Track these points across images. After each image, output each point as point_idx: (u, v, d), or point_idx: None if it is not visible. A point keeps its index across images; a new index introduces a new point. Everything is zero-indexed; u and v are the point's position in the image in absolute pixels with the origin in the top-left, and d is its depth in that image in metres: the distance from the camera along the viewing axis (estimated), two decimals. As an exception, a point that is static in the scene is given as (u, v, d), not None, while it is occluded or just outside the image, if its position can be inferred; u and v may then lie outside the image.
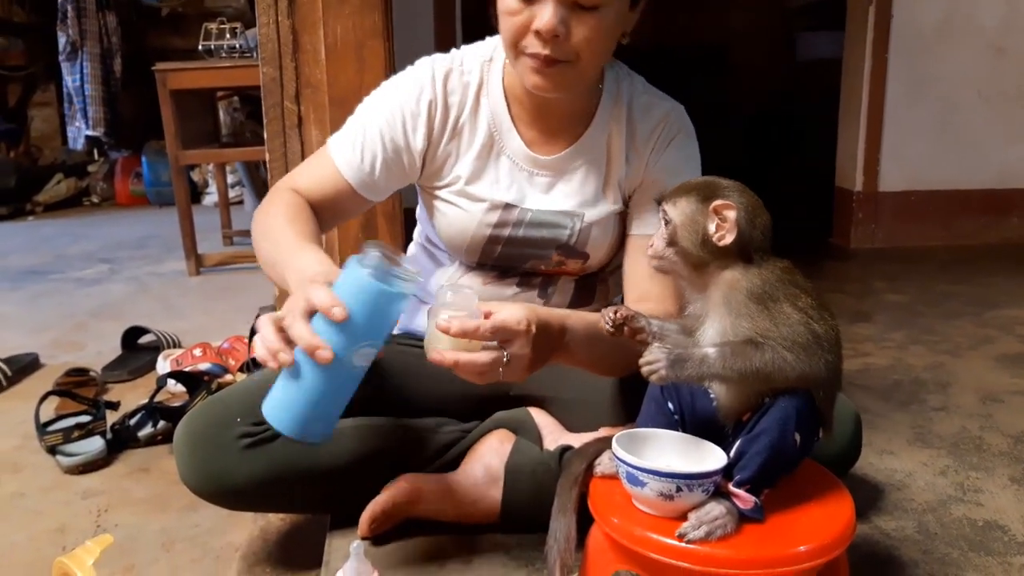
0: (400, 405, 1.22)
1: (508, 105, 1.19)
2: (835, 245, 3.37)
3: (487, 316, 0.96)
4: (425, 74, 1.19)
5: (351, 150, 1.18)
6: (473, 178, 1.20)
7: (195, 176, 5.01)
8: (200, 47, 3.25)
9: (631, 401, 1.22)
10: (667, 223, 0.95)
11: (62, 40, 4.85)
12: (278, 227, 1.11)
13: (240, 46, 3.24)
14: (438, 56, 1.22)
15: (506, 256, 1.23)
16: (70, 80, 4.91)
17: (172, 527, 1.35)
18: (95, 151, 5.17)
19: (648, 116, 1.20)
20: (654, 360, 0.91)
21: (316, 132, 1.54)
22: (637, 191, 1.21)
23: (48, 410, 1.75)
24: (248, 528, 1.29)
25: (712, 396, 0.98)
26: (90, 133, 4.90)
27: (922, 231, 3.28)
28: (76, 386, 1.91)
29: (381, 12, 1.53)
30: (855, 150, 3.26)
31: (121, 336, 2.19)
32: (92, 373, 1.99)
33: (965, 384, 1.81)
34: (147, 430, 1.64)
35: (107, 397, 1.88)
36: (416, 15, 3.44)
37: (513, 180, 1.20)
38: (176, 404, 1.67)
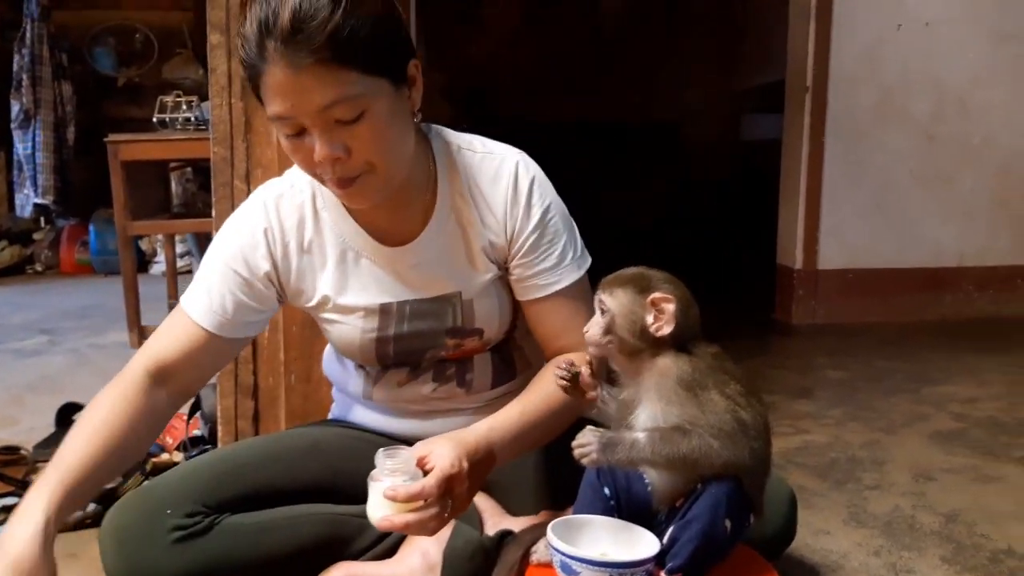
0: (338, 490, 1.20)
1: (348, 210, 1.16)
2: (778, 321, 3.45)
3: (421, 464, 0.98)
4: (256, 207, 1.17)
5: (201, 297, 1.14)
6: (339, 291, 1.18)
7: (144, 245, 4.96)
8: (155, 119, 3.27)
9: (568, 482, 1.23)
10: (604, 312, 0.98)
11: (15, 108, 4.83)
12: (72, 435, 1.07)
13: (196, 118, 3.26)
14: (268, 184, 1.20)
15: (401, 353, 1.21)
16: (21, 148, 4.87)
17: (98, 617, 1.29)
18: (42, 219, 5.10)
19: (491, 178, 1.17)
20: (586, 443, 0.94)
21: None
22: (515, 259, 1.18)
23: (-26, 492, 1.68)
24: (177, 618, 1.25)
25: (647, 481, 0.99)
26: (38, 201, 4.85)
27: (861, 308, 3.38)
28: (5, 465, 1.85)
29: (331, 96, 1.56)
30: (795, 229, 3.37)
31: (56, 412, 2.13)
32: (23, 451, 1.93)
33: (900, 462, 1.85)
34: (77, 513, 1.58)
35: (37, 476, 1.81)
36: None
37: (378, 279, 1.18)
38: (108, 486, 1.62)
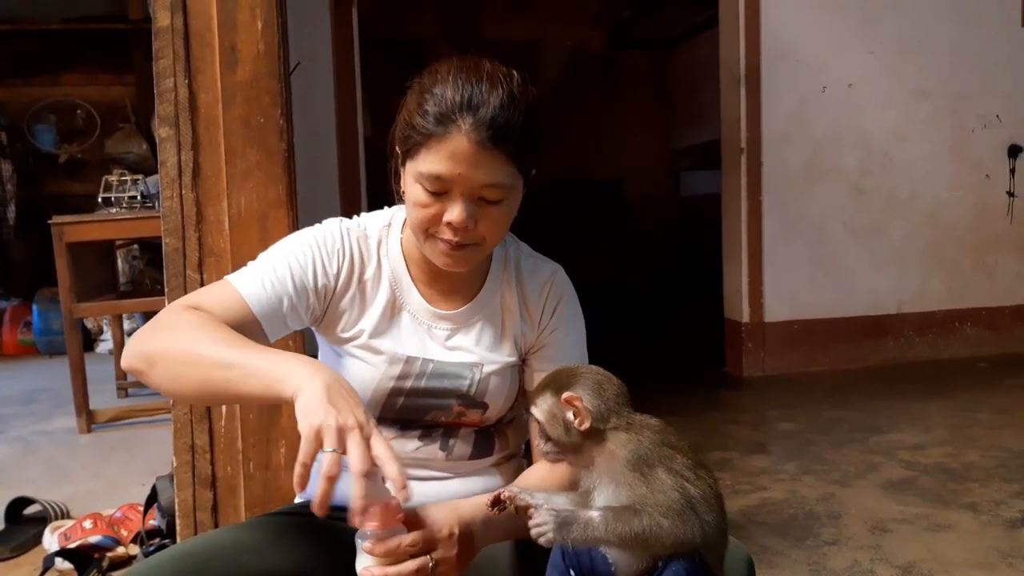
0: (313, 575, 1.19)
1: (407, 266, 1.26)
2: (728, 374, 3.53)
3: (417, 522, 1.01)
4: (335, 230, 1.25)
5: (257, 283, 1.16)
6: (376, 333, 1.24)
7: (89, 323, 4.86)
8: (100, 199, 3.24)
9: (539, 563, 1.25)
10: (537, 421, 1.02)
11: (-48, 189, 4.75)
12: (224, 327, 1.07)
13: (141, 194, 3.25)
14: (343, 219, 1.28)
15: (407, 408, 1.26)
16: (-42, 229, 4.77)
17: None
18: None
19: (535, 277, 1.30)
20: (542, 523, 0.96)
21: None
22: (534, 352, 1.29)
23: (-83, 600, 1.62)
24: None
25: (610, 561, 1.01)
26: (-23, 284, 4.74)
27: (807, 358, 3.48)
28: (-49, 569, 1.78)
29: (285, 184, 1.59)
30: (740, 283, 3.48)
31: (5, 507, 2.06)
32: (-30, 552, 1.86)
33: (855, 514, 1.90)
34: (29, 618, 1.54)
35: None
36: (321, 185, 3.42)
37: (413, 334, 1.25)
38: (64, 586, 1.58)
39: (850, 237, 3.56)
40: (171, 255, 1.58)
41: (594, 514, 0.95)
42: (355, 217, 1.30)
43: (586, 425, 0.98)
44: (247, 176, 1.59)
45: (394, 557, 0.98)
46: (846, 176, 3.55)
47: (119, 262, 4.13)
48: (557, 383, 1.01)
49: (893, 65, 3.53)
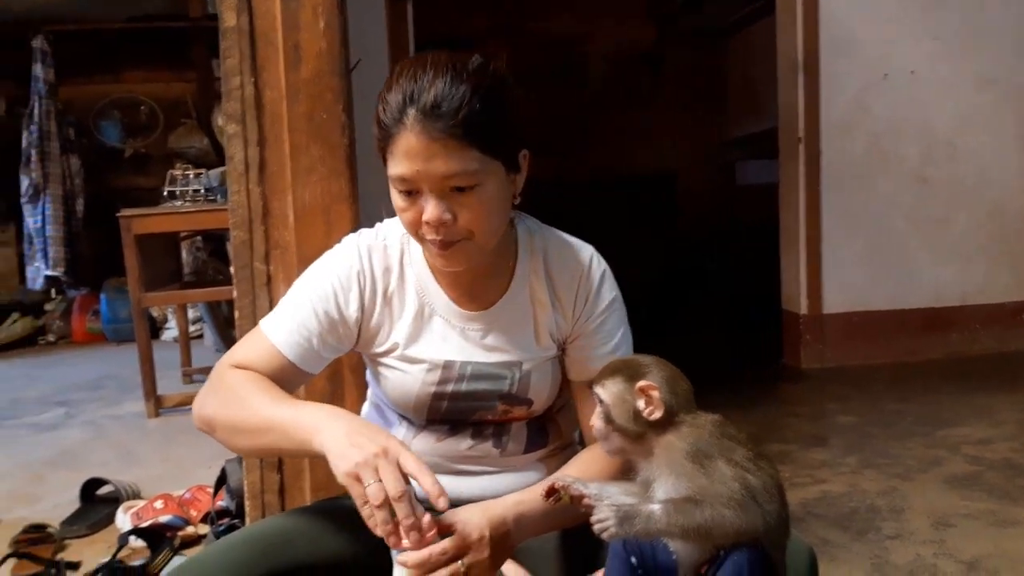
0: (371, 564, 1.23)
1: (432, 270, 1.25)
2: (786, 366, 3.48)
3: (448, 526, 1.03)
4: (352, 251, 1.26)
5: (287, 328, 1.21)
6: (410, 342, 1.25)
7: (154, 312, 5.01)
8: (164, 192, 3.35)
9: (592, 548, 1.26)
10: (601, 403, 1.03)
11: (24, 183, 4.93)
12: (258, 390, 1.14)
13: (203, 188, 3.34)
14: (362, 232, 1.29)
15: (452, 411, 1.27)
16: (31, 221, 4.96)
17: None
18: (53, 290, 5.16)
19: (565, 265, 1.27)
20: (604, 518, 0.97)
21: (284, 289, 1.59)
22: (573, 342, 1.27)
23: (4, 572, 1.70)
24: None
25: (671, 550, 1.02)
26: (49, 273, 4.92)
27: (868, 350, 3.41)
28: (33, 544, 1.87)
29: (347, 178, 1.63)
30: (798, 275, 3.43)
31: (80, 488, 2.15)
32: (50, 529, 1.95)
33: (918, 509, 1.87)
34: (111, 590, 1.61)
35: (66, 554, 1.84)
36: (382, 179, 3.50)
37: (447, 338, 1.25)
38: (137, 562, 1.65)
39: (912, 228, 3.48)
40: (239, 248, 1.63)
41: (655, 507, 0.96)
42: (377, 225, 1.30)
43: (656, 415, 0.98)
44: (311, 171, 1.63)
45: (428, 567, 1.01)
46: (908, 166, 3.46)
47: (183, 253, 4.25)
48: (630, 370, 1.02)
49: (957, 52, 3.43)
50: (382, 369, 1.28)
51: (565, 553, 1.30)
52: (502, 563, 1.10)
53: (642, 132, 6.10)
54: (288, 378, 1.22)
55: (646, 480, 1.02)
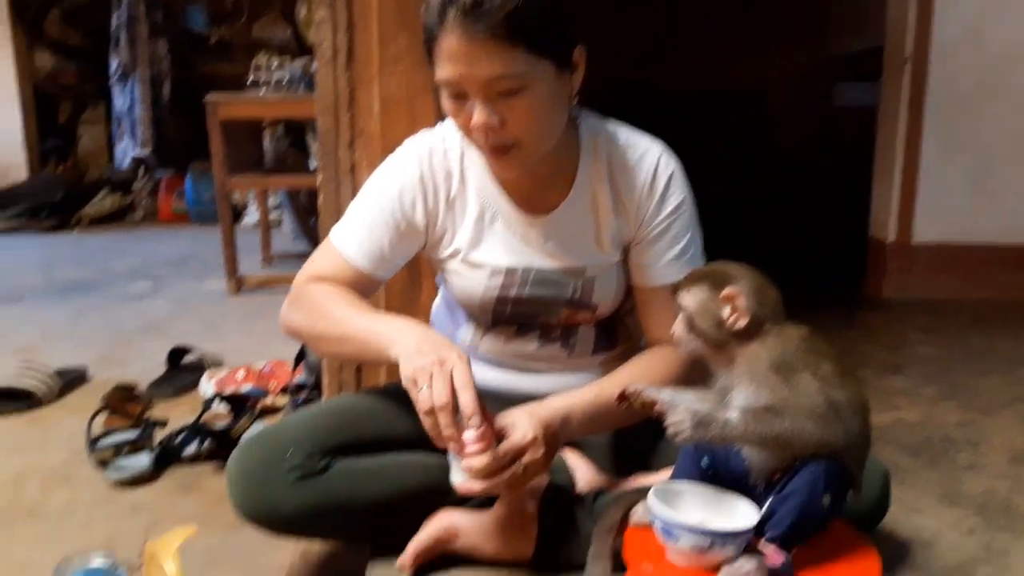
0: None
1: (491, 173, 1.22)
2: (868, 295, 3.38)
3: (500, 434, 1.06)
4: (413, 156, 1.24)
5: (357, 239, 1.23)
6: (472, 247, 1.25)
7: (236, 196, 5.12)
8: (250, 79, 3.37)
9: (660, 448, 1.27)
10: (684, 311, 1.00)
11: (113, 64, 5.03)
12: (339, 303, 1.17)
13: (287, 78, 3.35)
14: (421, 136, 1.27)
15: (517, 314, 1.28)
16: (120, 102, 5.08)
17: (217, 546, 1.40)
18: (140, 169, 5.32)
19: (631, 170, 1.22)
20: (679, 421, 0.96)
21: (367, 176, 1.60)
22: (638, 246, 1.24)
23: (97, 425, 1.81)
24: (291, 551, 1.34)
25: (744, 455, 1.01)
26: (136, 153, 5.06)
27: (956, 284, 3.27)
28: (123, 402, 1.98)
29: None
30: (889, 201, 3.28)
31: (167, 355, 2.26)
32: (139, 390, 2.06)
33: (996, 443, 1.82)
34: (193, 449, 1.70)
35: (153, 414, 1.94)
36: None
37: (509, 244, 1.24)
38: (221, 425, 1.73)
39: (1018, 160, 3.27)
40: (324, 134, 1.63)
41: (733, 415, 0.95)
42: (438, 126, 1.27)
43: (741, 324, 0.96)
44: (397, 60, 1.60)
45: (491, 471, 1.04)
46: (1021, 94, 3.23)
47: (265, 141, 4.30)
48: (716, 277, 0.99)
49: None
50: (448, 275, 1.29)
51: (621, 449, 1.32)
52: (551, 460, 1.12)
53: (736, 45, 5.82)
54: (363, 287, 1.24)
55: (723, 388, 1.01)
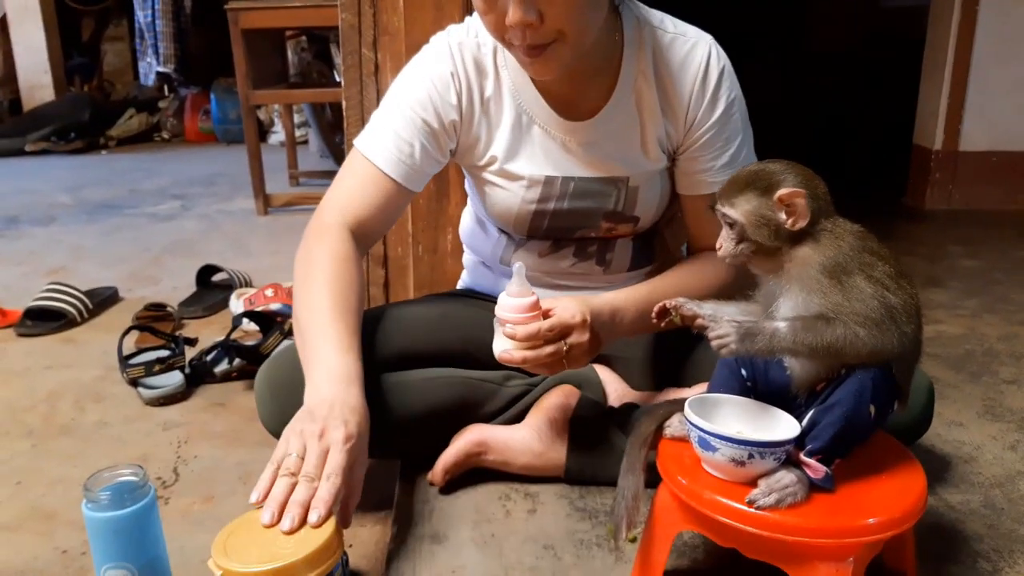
0: (468, 358, 1.24)
1: (529, 75, 1.13)
2: (909, 205, 3.27)
3: (546, 314, 1.03)
4: (444, 51, 1.15)
5: (388, 146, 1.14)
6: (509, 156, 1.17)
7: (261, 115, 5.07)
8: (272, -13, 3.26)
9: (693, 363, 1.24)
10: (732, 225, 0.93)
11: (134, -25, 4.92)
12: (317, 309, 1.06)
13: (310, -16, 3.24)
14: (452, 30, 1.17)
15: (554, 228, 1.23)
16: (142, 16, 4.98)
17: (248, 460, 1.41)
18: (165, 87, 5.26)
19: (677, 62, 1.13)
20: (724, 334, 0.91)
21: (391, 78, 1.53)
22: (687, 151, 1.17)
23: (128, 343, 1.82)
24: (320, 467, 1.34)
25: (785, 365, 0.97)
26: (161, 69, 5.00)
27: (1003, 194, 3.15)
28: (154, 320, 1.99)
29: (460, -41, 1.51)
30: (937, 106, 3.13)
31: (196, 273, 2.26)
32: (169, 308, 2.07)
33: (1041, 357, 1.77)
34: (223, 366, 1.70)
35: (183, 332, 1.95)
36: None
37: (548, 151, 1.17)
38: (250, 343, 1.73)
39: (1080, 62, 3.09)
40: (347, 32, 1.56)
41: (780, 325, 0.90)
42: (467, 20, 1.17)
43: (801, 224, 0.90)
44: (423, -51, 1.52)
45: (532, 342, 1.02)
46: (1087, -12, 3.03)
47: (289, 54, 4.21)
48: (763, 181, 0.92)
49: None
50: (482, 185, 1.23)
51: (654, 364, 1.29)
52: (597, 351, 1.09)
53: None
54: (400, 201, 1.17)
55: (769, 295, 0.95)
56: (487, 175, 1.20)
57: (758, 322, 0.92)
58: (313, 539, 0.87)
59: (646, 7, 1.17)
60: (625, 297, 1.13)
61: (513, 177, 1.18)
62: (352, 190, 1.16)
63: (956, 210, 3.15)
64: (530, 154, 1.17)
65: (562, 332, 1.03)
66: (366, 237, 1.17)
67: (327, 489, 0.89)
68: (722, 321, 0.92)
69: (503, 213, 1.22)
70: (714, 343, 0.92)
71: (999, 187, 3.15)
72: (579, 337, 1.04)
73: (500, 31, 1.02)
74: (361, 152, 1.16)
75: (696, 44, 1.14)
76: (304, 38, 4.20)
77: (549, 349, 1.02)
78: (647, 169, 1.17)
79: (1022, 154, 3.14)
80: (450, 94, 1.15)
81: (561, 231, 1.23)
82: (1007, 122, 3.12)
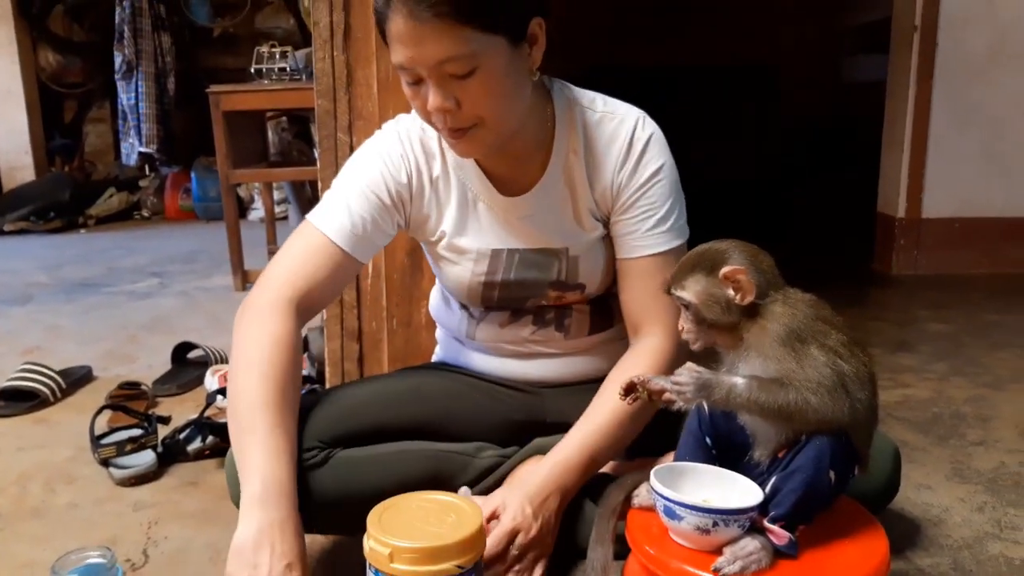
0: (441, 430, 1.25)
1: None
2: (876, 272, 3.35)
3: (493, 515, 1.09)
4: (393, 136, 1.22)
5: (341, 218, 1.17)
6: (458, 231, 1.22)
7: (242, 192, 5.13)
8: (252, 69, 3.35)
9: (664, 432, 1.25)
10: (687, 307, 0.97)
11: (118, 59, 5.02)
12: (251, 401, 1.07)
13: (290, 67, 3.33)
14: (401, 118, 1.24)
15: (505, 299, 1.26)
16: (125, 98, 5.07)
17: (218, 540, 1.39)
18: (147, 167, 5.32)
19: (606, 141, 1.18)
20: (683, 383, 0.94)
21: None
22: (618, 217, 1.20)
23: (101, 423, 1.81)
24: (293, 545, 1.33)
25: (748, 432, 1.00)
26: (143, 149, 5.06)
27: (967, 259, 3.24)
28: (128, 399, 1.98)
29: (430, 46, 1.57)
30: (898, 176, 3.24)
31: (172, 351, 2.26)
32: (143, 387, 2.06)
33: (1006, 418, 1.79)
34: (196, 444, 1.69)
35: (157, 411, 1.94)
36: None
37: (492, 225, 1.22)
38: (224, 420, 1.72)
39: (1030, 131, 3.22)
40: (323, 117, 1.61)
41: (739, 380, 0.93)
42: (414, 112, 1.21)
43: (748, 299, 0.94)
44: (395, 39, 1.58)
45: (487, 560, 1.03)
46: (1034, 63, 3.18)
47: (270, 134, 4.29)
48: (707, 260, 0.96)
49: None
50: (436, 260, 1.28)
51: (647, 435, 1.29)
52: (554, 529, 1.12)
53: (744, 19, 5.74)
54: (348, 271, 1.19)
55: (730, 365, 0.98)
56: (440, 250, 1.25)
57: (717, 375, 0.94)
58: (466, 526, 0.91)
59: (579, 89, 1.23)
60: (562, 461, 1.15)
61: (461, 252, 1.23)
62: (302, 260, 1.17)
63: (923, 275, 3.23)
64: (477, 229, 1.22)
65: (509, 538, 1.07)
66: (309, 310, 1.18)
67: None
68: (682, 370, 0.95)
69: (457, 286, 1.26)
70: (672, 389, 0.94)
71: (964, 252, 3.24)
72: (526, 535, 1.08)
73: (426, 116, 1.07)
74: (313, 224, 1.18)
75: (624, 119, 1.19)
76: (284, 119, 4.29)
77: (505, 565, 1.07)
78: (584, 239, 1.21)
79: (985, 220, 3.24)
80: (401, 174, 1.20)
81: (513, 301, 1.26)
82: (968, 188, 3.23)
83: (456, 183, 1.21)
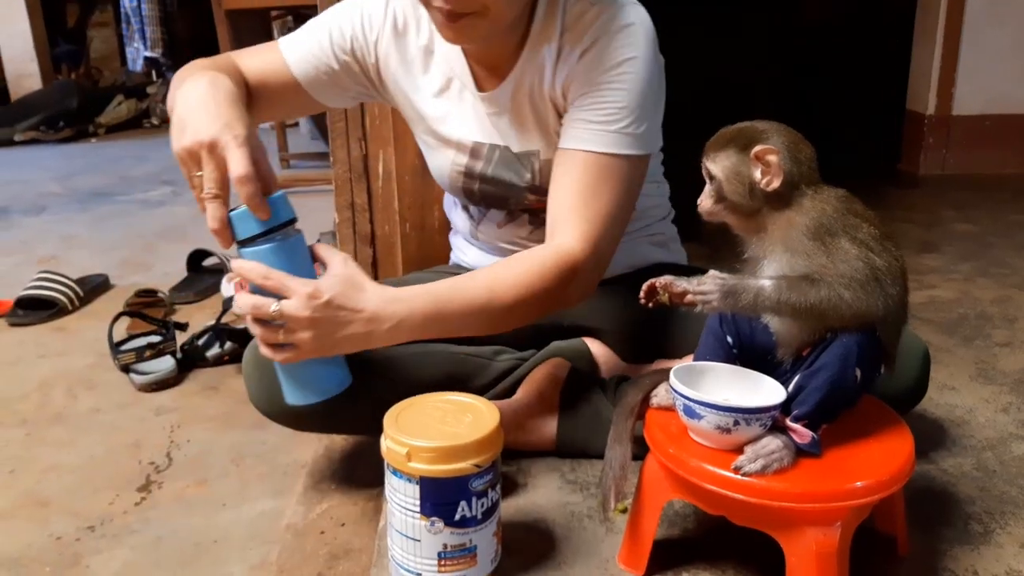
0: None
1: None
2: (902, 171, 3.26)
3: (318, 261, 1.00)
4: None
5: (300, 51, 1.15)
6: (441, 120, 1.18)
7: (251, 98, 5.03)
8: (255, -34, 3.23)
9: (682, 334, 1.23)
10: (711, 179, 0.92)
11: (118, -42, 4.86)
12: (198, 69, 1.05)
13: (294, -36, 3.21)
14: None
15: (488, 196, 1.21)
16: (127, 1, 4.93)
17: (241, 444, 1.41)
18: (153, 72, 5.21)
19: (582, 25, 1.06)
20: (707, 291, 0.91)
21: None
22: (571, 104, 1.09)
23: (120, 330, 1.81)
24: (313, 447, 1.35)
25: (771, 331, 0.97)
26: (148, 54, 4.94)
27: (997, 158, 3.14)
28: (145, 307, 1.98)
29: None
30: (929, 70, 3.11)
31: (187, 258, 2.25)
32: (160, 294, 2.06)
33: (1033, 319, 1.76)
34: (214, 350, 1.70)
35: (175, 317, 1.94)
36: None
37: (477, 117, 1.16)
38: (241, 326, 1.72)
39: (1072, 21, 3.06)
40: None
41: (766, 283, 0.90)
42: None
43: (775, 185, 0.89)
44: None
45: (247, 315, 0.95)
46: (1080, -54, 3.00)
47: (275, 35, 4.16)
48: (744, 137, 0.91)
49: None
50: (421, 144, 1.25)
51: (645, 336, 1.28)
52: (323, 347, 0.96)
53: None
54: (288, 94, 1.16)
55: (754, 258, 0.95)
56: (422, 136, 1.22)
57: (743, 279, 0.91)
58: (484, 426, 0.90)
59: None
60: (406, 298, 0.98)
61: (441, 139, 1.20)
62: (255, 58, 1.16)
63: (950, 175, 3.14)
64: (461, 119, 1.17)
65: (283, 292, 0.92)
66: (254, 100, 1.13)
67: (245, 194, 0.90)
68: (706, 278, 0.92)
69: (439, 175, 1.25)
70: (696, 298, 0.91)
71: (993, 151, 3.14)
72: (296, 332, 0.93)
73: None
74: (279, 46, 1.17)
75: (608, 5, 1.07)
76: (290, 18, 4.15)
77: (262, 330, 0.94)
78: (552, 142, 1.14)
79: (1017, 117, 3.12)
80: (372, 32, 1.16)
81: (495, 199, 1.22)
82: (1001, 85, 3.10)
83: (443, 68, 1.16)
